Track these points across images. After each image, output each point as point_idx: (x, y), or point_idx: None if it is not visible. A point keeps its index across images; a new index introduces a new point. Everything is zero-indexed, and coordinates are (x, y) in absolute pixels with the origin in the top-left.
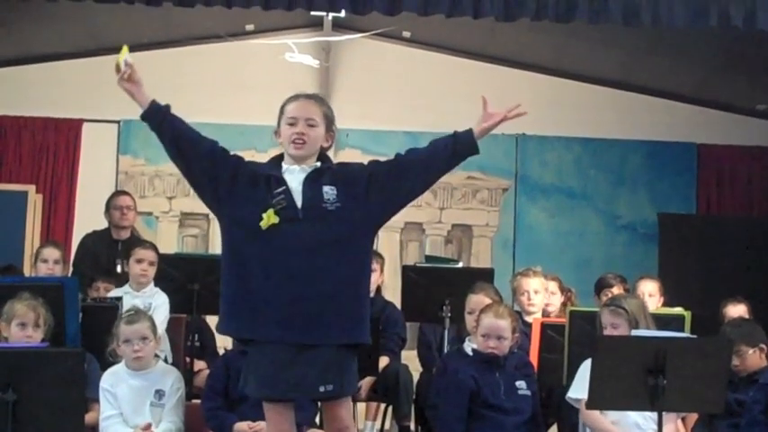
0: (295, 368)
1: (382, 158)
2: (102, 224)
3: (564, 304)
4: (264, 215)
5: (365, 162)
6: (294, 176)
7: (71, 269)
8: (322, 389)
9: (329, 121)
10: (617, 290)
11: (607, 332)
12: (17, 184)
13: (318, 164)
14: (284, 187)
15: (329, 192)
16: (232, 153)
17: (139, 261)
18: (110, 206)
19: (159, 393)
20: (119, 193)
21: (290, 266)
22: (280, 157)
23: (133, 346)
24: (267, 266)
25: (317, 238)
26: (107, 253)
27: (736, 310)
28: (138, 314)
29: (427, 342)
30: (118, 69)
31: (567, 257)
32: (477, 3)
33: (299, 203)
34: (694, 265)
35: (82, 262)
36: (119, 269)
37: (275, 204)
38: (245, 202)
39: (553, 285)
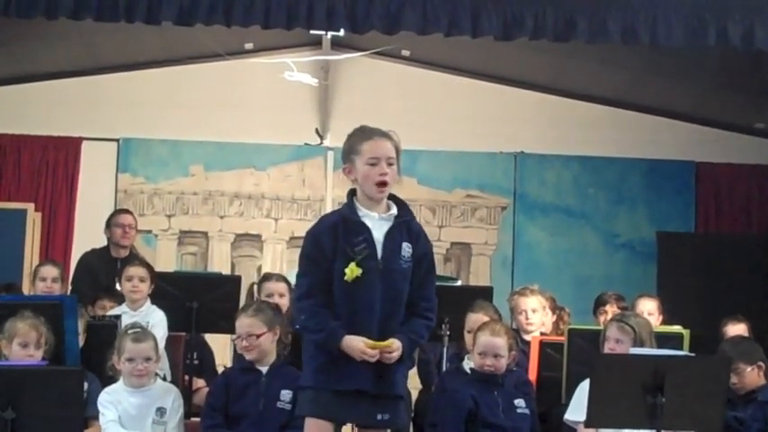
0: (359, 399)
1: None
2: (101, 242)
3: (556, 323)
4: (347, 270)
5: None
6: (375, 224)
7: (69, 287)
8: (379, 417)
9: (399, 154)
10: (611, 308)
11: (610, 345)
12: (16, 203)
13: (394, 211)
14: (365, 235)
15: (407, 249)
16: (309, 241)
17: (129, 279)
18: (111, 224)
19: (161, 411)
20: (121, 211)
21: (367, 318)
22: (352, 193)
23: (136, 366)
24: (348, 317)
25: (390, 293)
26: (106, 271)
27: (736, 328)
28: (144, 333)
29: (427, 360)
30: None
31: (566, 276)
32: (476, 22)
33: (379, 254)
34: (693, 283)
35: (81, 280)
36: (118, 287)
37: (357, 254)
38: (337, 255)
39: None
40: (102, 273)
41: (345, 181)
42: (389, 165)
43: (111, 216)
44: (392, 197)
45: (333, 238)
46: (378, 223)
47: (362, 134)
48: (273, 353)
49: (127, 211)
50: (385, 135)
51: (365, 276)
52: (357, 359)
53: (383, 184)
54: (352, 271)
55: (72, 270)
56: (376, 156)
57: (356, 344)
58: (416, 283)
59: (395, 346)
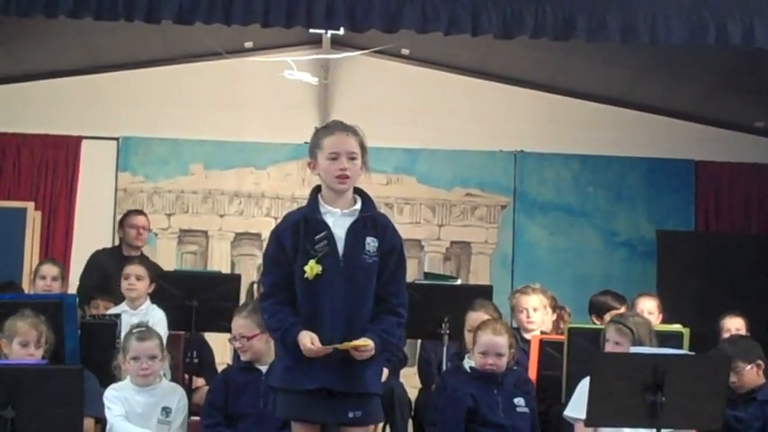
0: (328, 398)
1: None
2: (101, 240)
3: (556, 322)
4: (307, 268)
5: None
6: (336, 221)
7: (77, 284)
8: (351, 414)
9: (364, 150)
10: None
11: (609, 347)
12: (16, 201)
13: (358, 206)
14: (326, 232)
15: (371, 243)
16: (272, 240)
17: (126, 277)
18: (125, 224)
19: (166, 410)
20: (135, 212)
21: (330, 315)
22: (316, 190)
23: (141, 364)
24: (311, 315)
25: (353, 289)
26: (118, 270)
27: (734, 322)
28: (149, 331)
29: (427, 359)
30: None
31: (566, 274)
32: (476, 20)
33: (340, 251)
34: (692, 282)
35: (89, 278)
36: None
37: (317, 251)
38: (298, 254)
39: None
40: (113, 271)
41: None
42: (351, 159)
43: (125, 216)
44: (359, 191)
45: (294, 236)
46: (340, 220)
47: (326, 129)
48: (271, 352)
49: (141, 213)
50: (348, 130)
51: (326, 274)
52: (305, 354)
53: (343, 177)
54: (311, 268)
55: (72, 269)
56: (336, 151)
57: (304, 339)
58: (385, 278)
59: (369, 346)
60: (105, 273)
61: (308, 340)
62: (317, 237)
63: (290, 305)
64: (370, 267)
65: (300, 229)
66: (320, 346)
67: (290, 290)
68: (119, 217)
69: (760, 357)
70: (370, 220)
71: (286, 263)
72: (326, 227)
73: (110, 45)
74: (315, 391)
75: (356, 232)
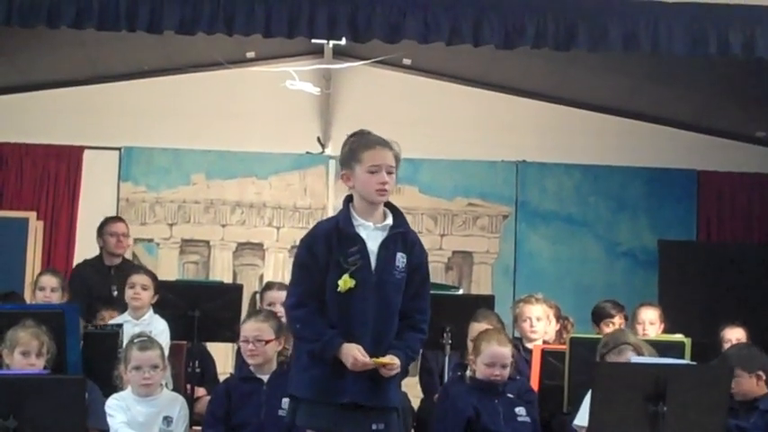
0: (355, 411)
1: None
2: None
3: (559, 332)
4: (341, 282)
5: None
6: (369, 234)
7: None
8: (374, 426)
9: (398, 164)
10: (618, 320)
11: None
12: (18, 211)
13: (390, 220)
14: (359, 246)
15: (401, 260)
16: (303, 249)
17: (132, 286)
18: (104, 232)
19: (167, 420)
20: (113, 219)
21: (361, 329)
22: (348, 200)
23: (143, 374)
24: (341, 328)
25: (383, 304)
26: (101, 280)
27: (734, 333)
28: (150, 341)
29: (429, 369)
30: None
31: (568, 284)
32: (477, 31)
33: (373, 265)
34: (694, 291)
35: (76, 293)
36: (115, 294)
37: (350, 265)
38: (330, 265)
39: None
40: (96, 282)
41: (347, 189)
42: (389, 173)
43: (104, 224)
44: (389, 205)
45: (327, 247)
46: (372, 234)
47: (365, 143)
48: (274, 362)
49: (120, 219)
50: (387, 144)
51: (358, 288)
52: (349, 367)
53: (383, 190)
54: (345, 282)
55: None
56: (378, 163)
57: (353, 351)
58: (410, 293)
59: (396, 364)
60: (87, 284)
61: (358, 352)
62: (351, 250)
63: (322, 315)
64: (398, 283)
65: (333, 241)
66: (368, 360)
67: (320, 300)
68: None
69: (762, 369)
70: (401, 236)
71: (317, 272)
72: (360, 240)
73: (112, 55)
74: (344, 404)
75: (388, 248)
